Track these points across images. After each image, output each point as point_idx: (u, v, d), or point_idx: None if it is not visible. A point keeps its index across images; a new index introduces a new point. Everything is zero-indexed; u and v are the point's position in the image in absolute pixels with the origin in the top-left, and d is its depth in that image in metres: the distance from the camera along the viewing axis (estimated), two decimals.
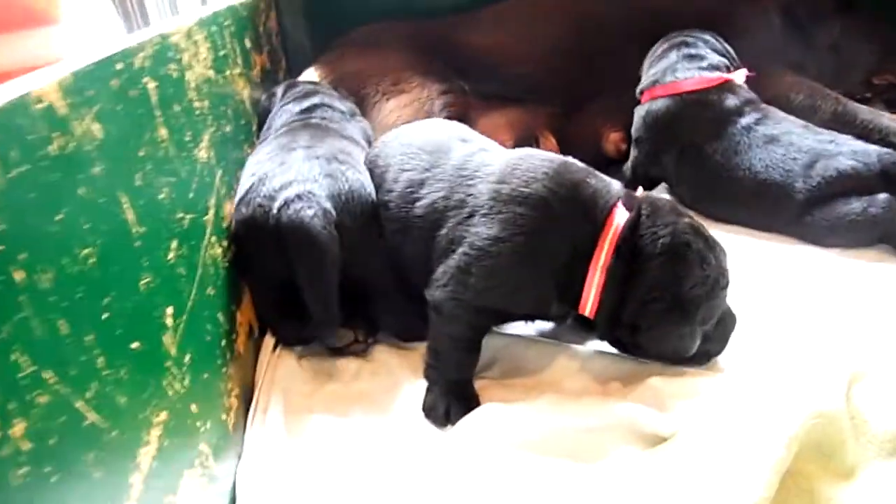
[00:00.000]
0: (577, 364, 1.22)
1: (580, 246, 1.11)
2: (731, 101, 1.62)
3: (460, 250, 1.14)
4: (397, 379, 1.23)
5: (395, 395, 1.20)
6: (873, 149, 1.51)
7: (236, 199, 1.29)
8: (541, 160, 1.17)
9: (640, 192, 1.19)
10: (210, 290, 1.12)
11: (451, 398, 1.15)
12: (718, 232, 1.52)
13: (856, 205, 1.45)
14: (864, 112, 1.74)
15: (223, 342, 1.15)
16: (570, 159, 1.20)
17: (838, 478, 1.00)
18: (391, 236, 1.27)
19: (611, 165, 1.76)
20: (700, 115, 1.62)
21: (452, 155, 1.24)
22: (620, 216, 1.11)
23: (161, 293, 0.94)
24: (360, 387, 1.23)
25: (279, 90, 1.66)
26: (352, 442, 1.11)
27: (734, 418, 1.02)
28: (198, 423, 0.98)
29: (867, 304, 1.30)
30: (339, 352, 1.30)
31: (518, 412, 1.09)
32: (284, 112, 1.55)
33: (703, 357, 1.17)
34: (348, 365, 1.27)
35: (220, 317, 1.15)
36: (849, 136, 1.56)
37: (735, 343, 1.20)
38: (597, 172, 1.19)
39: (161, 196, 1.00)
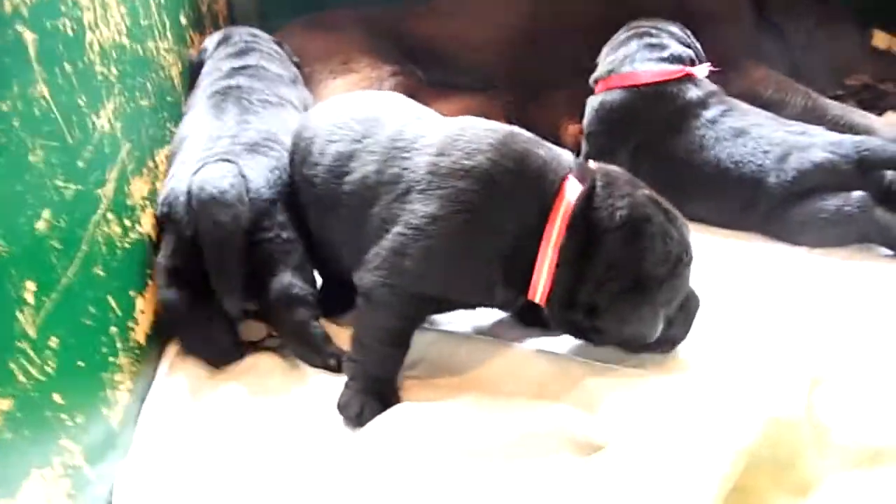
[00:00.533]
0: (513, 364, 1.11)
1: (529, 223, 0.99)
2: (693, 94, 1.51)
3: (395, 230, 1.02)
4: (312, 374, 1.11)
5: (308, 393, 1.08)
6: (847, 138, 1.41)
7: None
8: (484, 130, 1.06)
9: (592, 163, 1.08)
10: (98, 270, 1.00)
11: (369, 396, 1.03)
12: None
13: (830, 203, 1.35)
14: (835, 108, 1.66)
15: (113, 329, 1.02)
16: (516, 129, 1.08)
17: (792, 493, 0.89)
18: (317, 216, 1.16)
19: None
20: (658, 109, 1.51)
21: (386, 125, 1.12)
22: (573, 189, 1.00)
23: (19, 264, 0.81)
24: (271, 383, 1.11)
25: (210, 43, 1.55)
26: (253, 444, 1.00)
27: (679, 426, 0.91)
28: (62, 416, 0.86)
29: (833, 305, 1.20)
30: (252, 346, 1.18)
31: (437, 413, 0.98)
32: (215, 70, 1.44)
33: (667, 343, 1.06)
34: (259, 361, 1.15)
35: (111, 301, 1.03)
36: (820, 127, 1.47)
37: (689, 344, 1.09)
38: (546, 143, 1.08)
39: (32, 158, 0.88)
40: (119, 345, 1.03)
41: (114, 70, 1.16)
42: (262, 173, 1.16)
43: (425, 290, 1.03)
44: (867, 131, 1.60)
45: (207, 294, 1.10)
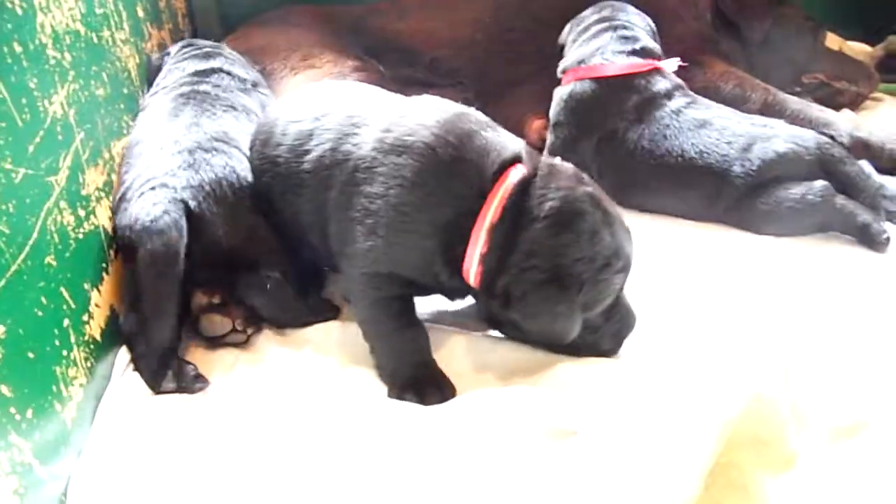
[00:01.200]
0: (480, 352, 1.08)
1: (466, 204, 0.97)
2: (660, 86, 1.52)
3: (352, 215, 1.01)
4: (278, 370, 1.07)
5: (275, 389, 1.04)
6: (810, 134, 1.44)
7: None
8: (436, 107, 1.04)
9: (546, 156, 1.07)
10: (49, 260, 0.95)
11: (412, 393, 0.99)
12: (646, 220, 1.44)
13: (794, 192, 1.36)
14: (794, 102, 1.69)
15: (66, 322, 0.97)
16: (471, 110, 1.07)
17: (775, 467, 0.88)
18: (282, 198, 1.13)
19: None
20: (625, 101, 1.52)
21: (345, 103, 1.10)
22: (515, 175, 0.98)
23: None
24: (236, 380, 1.06)
25: (174, 48, 1.51)
26: (215, 442, 0.94)
27: (657, 406, 0.90)
28: (11, 410, 0.81)
29: (803, 288, 1.21)
30: (215, 342, 1.13)
31: (405, 405, 0.95)
32: (176, 69, 1.40)
33: (591, 349, 1.02)
34: (224, 356, 1.10)
35: (64, 292, 0.98)
36: (782, 121, 1.49)
37: (664, 329, 1.09)
38: (498, 127, 1.06)
39: None
40: (73, 338, 0.98)
41: (67, 56, 1.12)
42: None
43: (381, 269, 1.01)
44: (826, 125, 1.64)
45: None
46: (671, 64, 1.58)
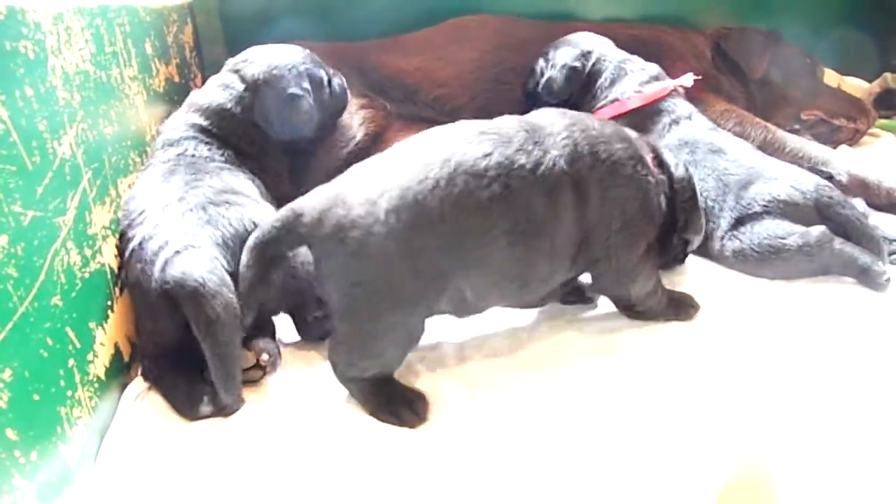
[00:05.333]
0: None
1: None
2: (683, 108, 1.58)
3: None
4: (288, 407, 1.07)
5: (285, 426, 1.04)
6: (811, 178, 1.44)
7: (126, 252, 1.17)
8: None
9: None
10: (56, 300, 0.96)
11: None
12: None
13: (791, 241, 1.36)
14: (793, 140, 1.71)
15: (71, 362, 0.98)
16: None
17: None
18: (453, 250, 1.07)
19: None
20: (657, 123, 1.57)
21: (497, 128, 1.11)
22: None
23: None
24: (243, 419, 1.06)
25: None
26: (223, 483, 0.95)
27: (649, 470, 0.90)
28: (15, 454, 0.81)
29: (806, 339, 1.18)
30: None
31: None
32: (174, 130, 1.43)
33: None
34: None
35: (70, 332, 0.99)
36: (790, 165, 1.50)
37: (662, 383, 1.08)
38: None
39: None
40: (77, 378, 0.99)
41: (77, 96, 1.14)
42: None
43: None
44: (824, 164, 1.66)
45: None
46: (687, 79, 1.61)
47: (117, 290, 1.17)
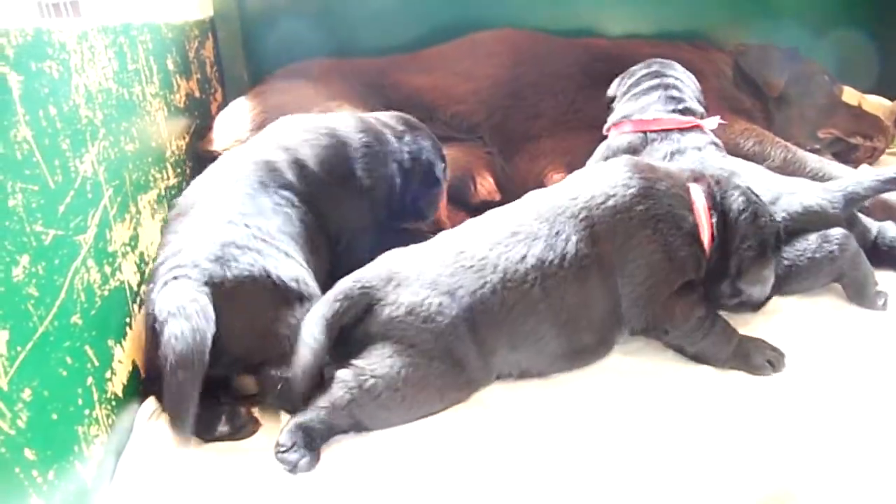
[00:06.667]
0: None
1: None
2: (695, 141, 1.54)
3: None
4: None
5: None
6: (836, 186, 1.42)
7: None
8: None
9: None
10: (76, 319, 0.97)
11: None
12: None
13: (812, 243, 1.35)
14: (813, 160, 1.69)
15: (90, 380, 0.98)
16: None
17: None
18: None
19: None
20: (659, 150, 1.54)
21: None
22: (697, 191, 1.23)
23: None
24: (258, 438, 1.07)
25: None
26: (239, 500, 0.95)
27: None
28: (33, 474, 0.81)
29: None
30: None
31: None
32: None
33: (765, 302, 1.29)
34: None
35: (89, 351, 0.99)
36: (808, 180, 1.49)
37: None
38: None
39: (11, 203, 0.85)
40: (95, 396, 0.99)
41: (99, 114, 1.15)
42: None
43: None
44: None
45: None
46: (712, 122, 1.59)
47: (136, 307, 1.18)
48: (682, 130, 1.55)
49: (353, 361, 1.07)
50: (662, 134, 1.54)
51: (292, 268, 1.17)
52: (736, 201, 1.22)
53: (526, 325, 1.12)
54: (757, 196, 1.25)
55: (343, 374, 1.05)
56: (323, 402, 1.04)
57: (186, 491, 0.97)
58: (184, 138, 1.64)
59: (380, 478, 0.97)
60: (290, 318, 1.12)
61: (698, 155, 1.50)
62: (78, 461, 0.92)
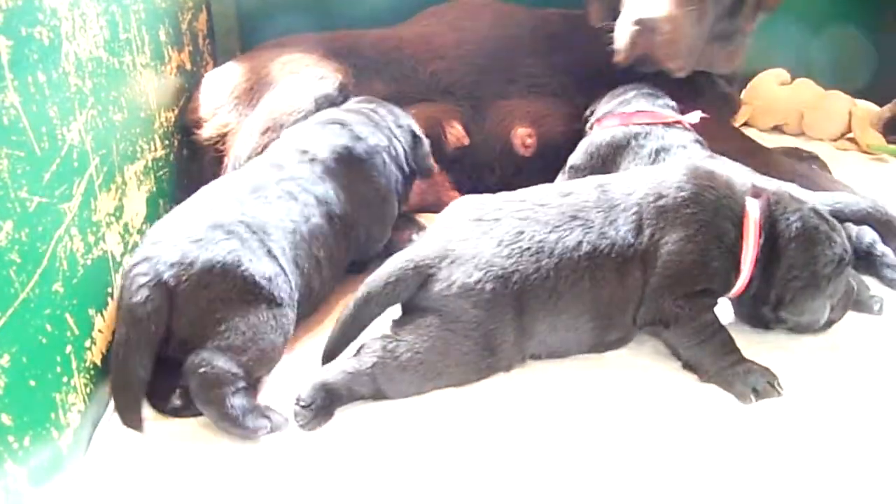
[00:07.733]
0: None
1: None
2: (679, 138, 1.54)
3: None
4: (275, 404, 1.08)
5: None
6: (823, 195, 1.42)
7: None
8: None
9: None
10: (57, 287, 0.97)
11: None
12: None
13: None
14: (802, 167, 1.70)
15: (69, 348, 0.99)
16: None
17: None
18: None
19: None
20: (643, 147, 1.54)
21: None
22: (754, 208, 1.18)
23: None
24: None
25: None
26: (214, 474, 0.96)
27: None
28: (9, 439, 0.82)
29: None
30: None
31: None
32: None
33: (827, 325, 1.24)
34: None
35: (69, 319, 1.00)
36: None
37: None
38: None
39: None
40: (74, 365, 1.00)
41: (88, 82, 1.14)
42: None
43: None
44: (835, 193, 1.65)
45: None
46: (693, 116, 1.60)
47: (118, 277, 1.18)
48: (665, 126, 1.56)
49: (389, 330, 1.11)
50: (646, 129, 1.55)
51: (268, 266, 1.13)
52: (791, 226, 1.16)
53: (568, 313, 1.14)
54: (823, 219, 1.19)
55: (374, 341, 1.09)
56: (350, 365, 1.07)
57: (162, 463, 0.98)
58: (173, 110, 1.63)
59: (371, 459, 0.98)
60: (251, 315, 1.08)
61: (683, 153, 1.51)
62: (55, 428, 0.93)
